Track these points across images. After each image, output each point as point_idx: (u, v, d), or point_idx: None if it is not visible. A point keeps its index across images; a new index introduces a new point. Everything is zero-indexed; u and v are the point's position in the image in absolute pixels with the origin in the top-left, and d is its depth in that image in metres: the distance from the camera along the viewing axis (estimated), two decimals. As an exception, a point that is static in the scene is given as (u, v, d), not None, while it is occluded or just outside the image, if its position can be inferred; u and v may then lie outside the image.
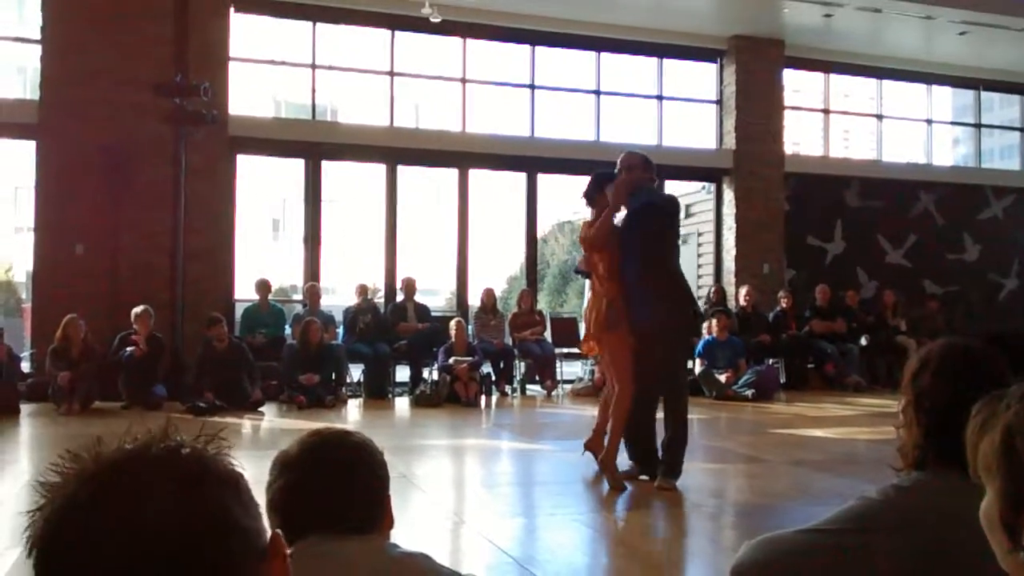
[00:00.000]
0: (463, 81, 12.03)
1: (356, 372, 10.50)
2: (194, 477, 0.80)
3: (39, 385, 9.08)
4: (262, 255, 17.59)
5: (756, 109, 12.90)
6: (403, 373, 10.73)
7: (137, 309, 9.18)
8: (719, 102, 13.17)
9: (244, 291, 10.99)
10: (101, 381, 8.97)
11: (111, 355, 9.11)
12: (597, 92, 12.65)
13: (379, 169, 11.83)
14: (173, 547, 0.75)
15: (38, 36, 10.16)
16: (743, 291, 12.04)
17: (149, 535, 0.74)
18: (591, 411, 9.39)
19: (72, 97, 9.85)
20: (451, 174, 12.09)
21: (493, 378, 10.63)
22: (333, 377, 9.74)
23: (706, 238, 13.51)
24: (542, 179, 12.59)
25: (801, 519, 1.74)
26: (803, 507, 4.78)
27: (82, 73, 9.88)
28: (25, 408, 8.67)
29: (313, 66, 11.45)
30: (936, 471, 1.61)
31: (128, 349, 9.01)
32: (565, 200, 24.22)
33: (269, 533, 0.84)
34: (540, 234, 15.79)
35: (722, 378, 10.41)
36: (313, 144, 11.35)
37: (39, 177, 10.05)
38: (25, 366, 9.66)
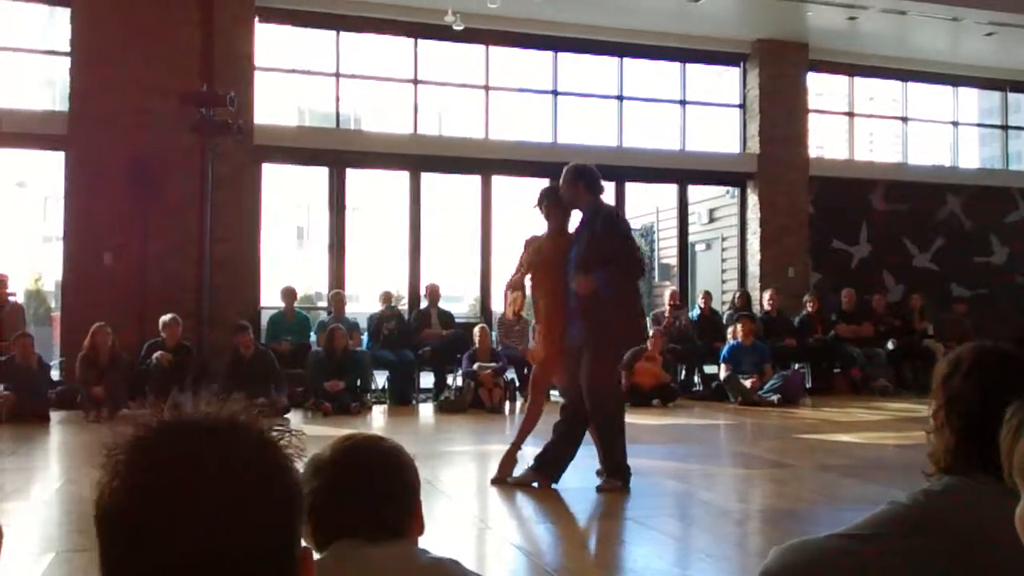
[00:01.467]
0: (486, 88, 12.06)
1: (381, 379, 10.54)
2: (259, 485, 0.84)
3: (68, 393, 9.17)
4: (287, 263, 17.69)
5: (780, 113, 12.84)
6: (427, 379, 10.76)
7: (165, 317, 9.26)
8: (743, 106, 13.12)
9: (269, 299, 11.06)
10: (129, 389, 9.05)
11: (139, 363, 9.20)
12: (620, 97, 12.64)
13: (403, 176, 11.88)
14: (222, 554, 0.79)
15: (67, 49, 10.30)
16: (767, 295, 11.98)
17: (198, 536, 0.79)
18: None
19: (100, 108, 9.97)
20: (474, 181, 12.12)
21: (517, 384, 10.63)
22: (358, 384, 9.78)
23: (730, 242, 13.46)
24: (565, 185, 12.58)
25: (829, 525, 1.74)
26: (831, 513, 4.74)
27: (110, 84, 10.00)
28: (55, 416, 8.76)
29: (337, 75, 11.53)
30: (968, 475, 1.59)
31: (155, 356, 9.09)
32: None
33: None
34: (563, 240, 15.75)
35: (747, 383, 10.36)
36: (337, 152, 11.41)
37: (68, 187, 10.18)
38: (54, 374, 9.76)
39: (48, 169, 12.22)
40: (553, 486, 5.50)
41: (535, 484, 5.47)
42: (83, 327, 9.10)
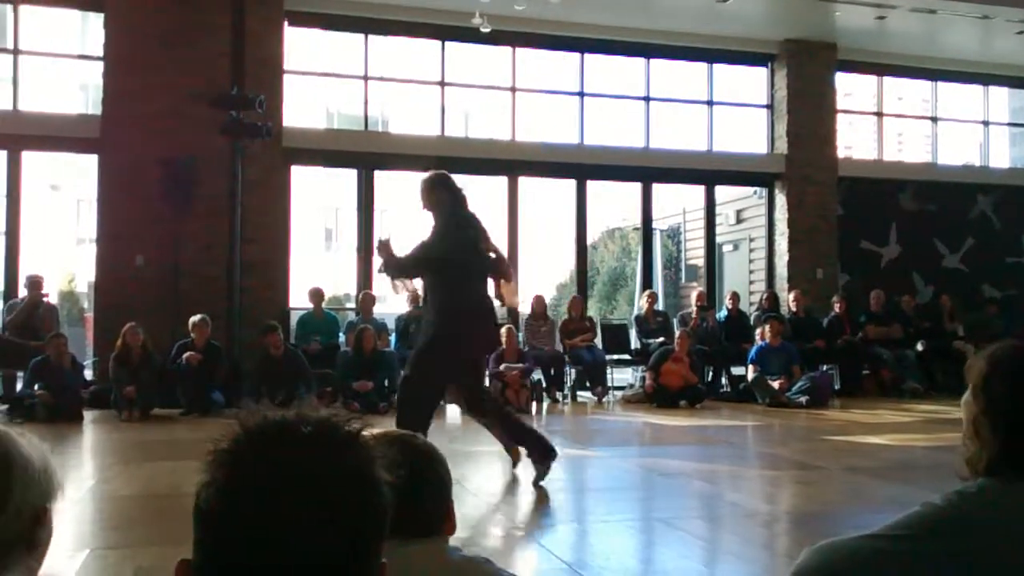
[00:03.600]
0: (513, 90, 12.10)
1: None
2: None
3: (101, 392, 9.30)
4: (316, 264, 17.83)
5: (808, 113, 12.78)
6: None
7: (194, 318, 9.38)
8: (770, 106, 13.08)
9: (299, 300, 11.15)
10: (160, 389, 9.17)
11: (170, 363, 9.31)
12: (647, 98, 12.64)
13: (430, 178, 11.92)
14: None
15: (100, 53, 10.45)
16: (792, 296, 11.94)
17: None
18: (642, 418, 9.41)
19: (133, 111, 10.10)
20: (501, 182, 12.15)
21: (544, 385, 10.66)
22: (386, 384, 9.84)
23: (758, 243, 13.41)
24: (592, 186, 12.61)
25: (857, 526, 1.72)
26: (859, 515, 4.73)
27: (142, 88, 10.13)
28: (88, 415, 8.89)
29: (365, 77, 11.61)
30: (1005, 477, 1.58)
31: (184, 356, 9.20)
32: (615, 207, 24.16)
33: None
34: (590, 241, 15.80)
35: (775, 384, 10.32)
36: (365, 154, 11.49)
37: (101, 190, 10.34)
38: (88, 374, 9.90)
39: (81, 172, 12.39)
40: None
41: (551, 469, 5.53)
42: (116, 328, 9.23)
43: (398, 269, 5.61)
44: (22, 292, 9.94)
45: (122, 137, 10.12)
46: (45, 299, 9.96)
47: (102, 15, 10.42)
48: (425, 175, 5.76)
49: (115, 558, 3.85)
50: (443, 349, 5.45)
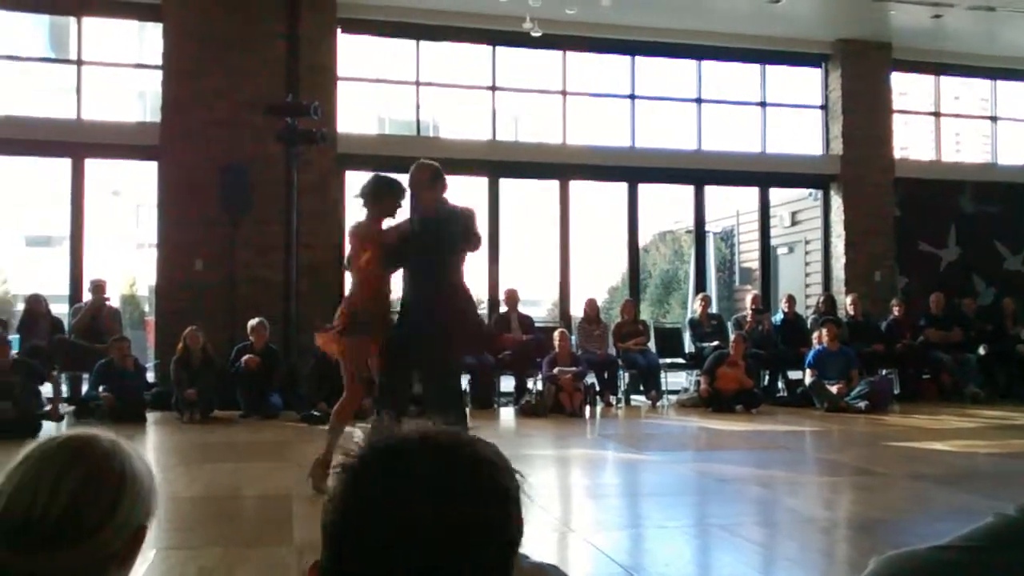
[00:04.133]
0: (563, 93, 12.11)
1: (462, 382, 10.63)
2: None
3: (163, 394, 9.49)
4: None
5: (863, 114, 12.61)
6: (508, 383, 10.83)
7: (252, 321, 9.53)
8: (825, 107, 12.92)
9: (353, 303, 11.24)
10: (220, 391, 9.34)
11: (229, 366, 9.47)
12: (699, 100, 12.57)
13: (481, 182, 11.99)
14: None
15: (159, 62, 10.68)
16: (848, 300, 11.77)
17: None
18: (697, 422, 9.35)
19: (190, 119, 10.32)
20: (552, 186, 12.17)
21: (597, 388, 10.64)
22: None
23: (814, 246, 13.25)
24: (643, 189, 12.57)
25: (921, 535, 1.71)
26: (923, 523, 4.64)
27: (199, 96, 10.34)
28: (150, 416, 9.08)
29: (417, 83, 11.71)
30: None
31: (243, 359, 9.35)
32: (667, 209, 24.04)
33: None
34: (642, 244, 15.73)
35: (834, 389, 10.17)
36: (417, 159, 11.52)
37: (160, 196, 10.55)
38: (149, 376, 10.11)
39: (141, 178, 12.67)
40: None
41: None
42: (176, 331, 9.42)
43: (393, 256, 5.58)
44: (86, 296, 10.19)
45: (180, 144, 10.33)
46: (107, 302, 10.20)
47: (160, 25, 10.64)
48: (423, 161, 5.76)
49: (179, 558, 3.93)
50: (448, 337, 5.44)
